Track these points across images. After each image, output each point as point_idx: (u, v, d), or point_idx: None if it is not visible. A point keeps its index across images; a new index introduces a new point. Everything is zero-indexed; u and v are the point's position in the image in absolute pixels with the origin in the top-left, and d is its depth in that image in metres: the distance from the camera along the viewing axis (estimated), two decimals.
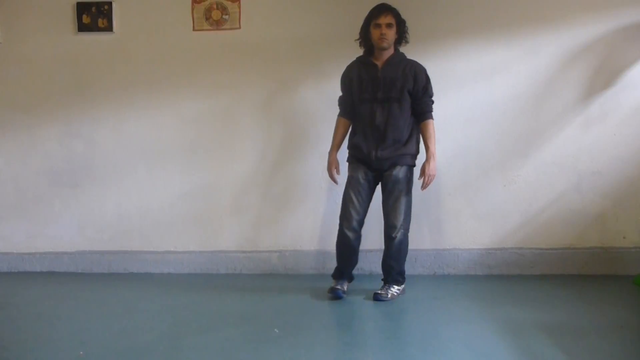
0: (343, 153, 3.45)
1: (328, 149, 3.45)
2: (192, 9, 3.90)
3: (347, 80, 3.35)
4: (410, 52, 3.72)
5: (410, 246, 3.75)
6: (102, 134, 4.02)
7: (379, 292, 3.26)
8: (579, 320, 2.89)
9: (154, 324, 2.96)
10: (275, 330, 2.81)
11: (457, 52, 3.74)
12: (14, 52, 4.03)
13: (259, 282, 3.74)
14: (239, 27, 3.88)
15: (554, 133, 3.73)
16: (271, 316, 3.06)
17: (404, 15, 3.71)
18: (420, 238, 3.82)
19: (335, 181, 3.45)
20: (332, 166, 3.41)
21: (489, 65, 3.73)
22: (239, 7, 3.87)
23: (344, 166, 3.43)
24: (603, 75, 3.67)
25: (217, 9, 3.88)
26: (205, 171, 3.96)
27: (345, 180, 3.35)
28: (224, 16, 3.88)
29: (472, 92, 3.75)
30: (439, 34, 3.75)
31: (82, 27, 3.96)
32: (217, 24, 3.89)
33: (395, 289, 3.30)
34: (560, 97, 3.71)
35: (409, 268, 3.76)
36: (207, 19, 3.89)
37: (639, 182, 3.69)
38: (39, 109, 4.05)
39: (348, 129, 3.41)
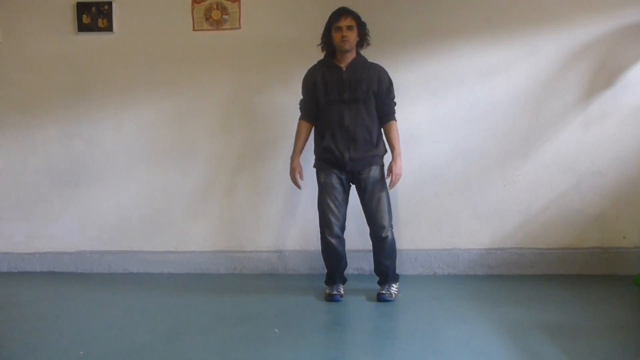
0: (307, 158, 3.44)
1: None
2: (192, 9, 3.90)
3: (311, 83, 3.32)
4: (410, 51, 3.75)
5: (410, 246, 3.78)
6: (102, 134, 4.02)
7: (383, 292, 3.27)
8: (579, 320, 2.89)
9: (154, 324, 2.96)
10: (275, 330, 2.81)
11: (457, 52, 3.74)
12: (14, 52, 4.03)
13: (259, 282, 3.74)
14: (239, 27, 3.88)
15: (554, 133, 3.73)
16: (271, 316, 3.06)
17: (404, 16, 3.74)
18: (420, 238, 3.83)
19: (298, 186, 3.42)
20: (295, 172, 3.38)
21: (489, 65, 3.73)
22: (239, 7, 3.87)
23: (306, 171, 3.42)
24: (603, 75, 3.67)
25: (217, 9, 3.88)
26: (206, 171, 3.96)
27: (318, 188, 3.33)
28: (224, 16, 3.88)
29: (472, 92, 3.75)
30: (439, 34, 3.75)
31: (82, 27, 3.96)
32: (217, 24, 3.89)
33: (394, 288, 3.32)
34: (560, 97, 3.71)
35: (409, 268, 3.79)
36: (207, 19, 3.89)
37: (639, 182, 3.70)
38: (39, 109, 4.05)
39: (310, 133, 3.40)
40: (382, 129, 3.33)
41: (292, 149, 3.83)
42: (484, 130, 3.76)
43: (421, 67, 3.75)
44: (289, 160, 3.77)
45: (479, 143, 3.77)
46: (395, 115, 3.34)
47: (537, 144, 3.74)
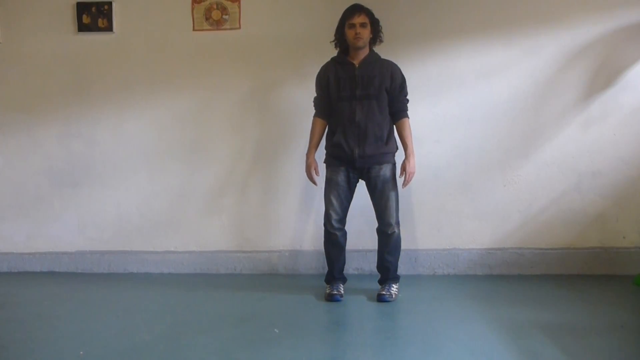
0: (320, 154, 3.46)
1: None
2: (192, 9, 3.90)
3: (324, 80, 3.34)
4: (410, 51, 3.74)
5: (410, 246, 3.77)
6: (102, 134, 4.02)
7: (382, 293, 3.27)
8: (579, 320, 2.89)
9: (154, 324, 2.96)
10: (275, 330, 2.81)
11: (458, 52, 3.74)
12: (14, 51, 4.03)
13: (259, 282, 3.74)
14: (239, 27, 3.88)
15: (554, 133, 3.73)
16: (271, 316, 3.06)
17: (404, 16, 3.74)
18: (420, 238, 3.83)
19: (314, 182, 3.45)
20: (310, 168, 3.40)
21: (489, 65, 3.73)
22: (239, 7, 3.87)
23: (322, 167, 3.44)
24: (603, 75, 3.67)
25: (217, 9, 3.88)
26: (206, 171, 3.96)
27: (325, 182, 3.36)
28: (224, 16, 3.88)
29: (472, 92, 3.75)
30: (439, 34, 3.75)
31: (82, 27, 3.96)
32: (217, 24, 3.89)
33: (394, 288, 3.31)
34: (560, 97, 3.71)
35: (409, 268, 3.78)
36: (207, 19, 3.89)
37: (639, 182, 3.70)
38: (39, 109, 4.05)
39: (324, 130, 3.41)
40: (394, 126, 3.34)
41: (289, 148, 3.85)
42: (484, 130, 3.76)
43: (421, 67, 3.75)
44: (290, 161, 3.79)
45: (479, 143, 3.77)
46: (408, 112, 3.35)
47: (537, 144, 3.74)
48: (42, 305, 3.34)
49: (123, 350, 2.61)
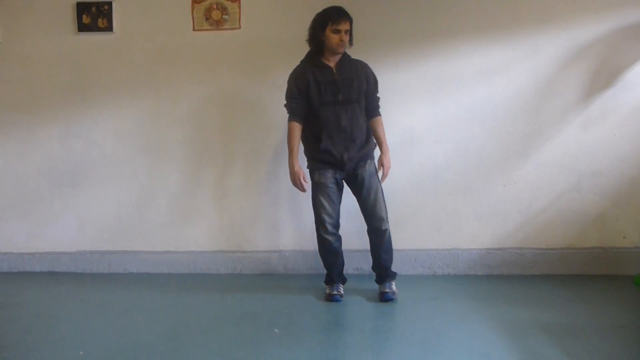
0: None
1: None
2: (192, 9, 3.90)
3: (303, 83, 3.25)
4: (409, 51, 3.75)
5: (410, 246, 3.78)
6: (102, 134, 4.02)
7: (386, 291, 3.27)
8: (579, 320, 2.89)
9: (154, 324, 2.97)
10: (275, 330, 2.82)
11: (457, 52, 3.74)
12: (14, 52, 4.03)
13: (259, 282, 3.74)
14: (239, 27, 3.89)
15: (554, 133, 3.73)
16: (271, 316, 3.06)
17: (404, 16, 3.75)
18: (420, 238, 3.83)
19: (303, 190, 3.36)
20: (299, 175, 3.30)
21: (489, 65, 3.73)
22: (239, 7, 3.87)
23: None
24: (603, 75, 3.67)
25: (217, 9, 3.88)
26: (206, 171, 3.96)
27: (312, 187, 3.33)
28: (224, 16, 3.89)
29: (472, 92, 3.75)
30: (439, 34, 3.75)
31: (82, 27, 3.96)
32: (217, 24, 3.89)
33: (394, 286, 3.32)
34: (560, 97, 3.71)
35: (409, 268, 3.79)
36: (207, 19, 3.89)
37: (639, 182, 3.70)
38: (39, 109, 4.05)
39: (300, 133, 3.32)
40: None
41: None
42: (484, 130, 3.76)
43: (421, 67, 3.75)
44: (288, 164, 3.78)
45: (479, 143, 3.77)
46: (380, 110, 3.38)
47: (537, 144, 3.74)
48: (42, 305, 3.34)
49: (123, 350, 2.61)
